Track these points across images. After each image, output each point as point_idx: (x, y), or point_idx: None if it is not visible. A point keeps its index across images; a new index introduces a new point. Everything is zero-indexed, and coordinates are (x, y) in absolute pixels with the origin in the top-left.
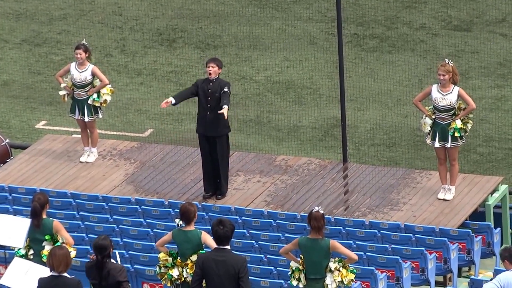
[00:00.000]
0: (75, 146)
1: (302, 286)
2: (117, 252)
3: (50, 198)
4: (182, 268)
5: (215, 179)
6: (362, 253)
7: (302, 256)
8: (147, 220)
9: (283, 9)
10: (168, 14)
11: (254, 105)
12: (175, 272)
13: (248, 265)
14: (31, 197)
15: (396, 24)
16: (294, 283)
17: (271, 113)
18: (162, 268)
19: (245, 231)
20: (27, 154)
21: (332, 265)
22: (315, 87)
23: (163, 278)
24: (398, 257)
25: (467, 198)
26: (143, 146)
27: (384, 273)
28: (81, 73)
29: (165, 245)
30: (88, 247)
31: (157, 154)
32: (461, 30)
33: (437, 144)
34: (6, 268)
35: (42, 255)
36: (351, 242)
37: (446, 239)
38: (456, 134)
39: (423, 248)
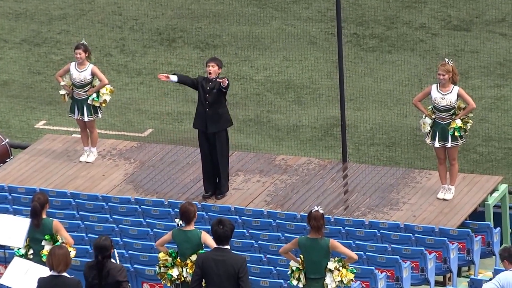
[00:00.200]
0: (74, 146)
1: (302, 286)
2: (115, 251)
3: (49, 198)
4: (182, 268)
5: (215, 179)
6: (361, 252)
7: (301, 256)
8: (147, 220)
9: (283, 8)
10: (168, 14)
11: (253, 105)
12: (174, 272)
13: (247, 264)
14: (31, 196)
15: (396, 24)
16: (294, 282)
17: (271, 113)
18: (162, 268)
19: (244, 230)
20: (27, 154)
21: (332, 264)
22: (314, 86)
23: (163, 278)
24: (397, 256)
25: (466, 198)
26: (142, 145)
27: (384, 273)
28: (81, 72)
29: (165, 245)
30: (88, 247)
31: (157, 153)
32: (460, 29)
33: (437, 144)
34: (6, 267)
35: (42, 255)
36: (351, 241)
37: (445, 238)
38: (456, 134)
39: (422, 248)
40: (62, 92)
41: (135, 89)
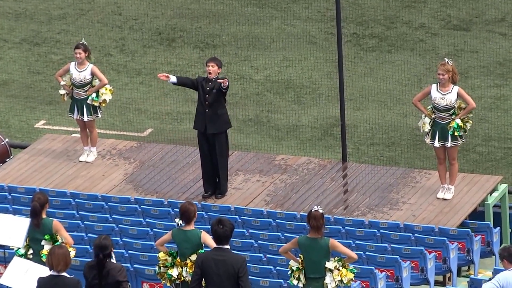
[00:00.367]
0: (74, 145)
1: (302, 286)
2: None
3: (49, 198)
4: (182, 268)
5: (215, 179)
6: (361, 252)
7: (301, 256)
8: (147, 220)
9: (283, 8)
10: (168, 13)
11: (253, 105)
12: (174, 272)
13: (247, 264)
14: (31, 196)
15: (396, 24)
16: (294, 282)
17: (271, 113)
18: (162, 267)
19: (244, 230)
20: (27, 153)
21: (332, 264)
22: (314, 86)
23: (163, 278)
24: (397, 256)
25: (466, 198)
26: (142, 145)
27: (384, 273)
28: (81, 72)
29: (165, 245)
30: (88, 246)
31: (157, 153)
32: (460, 29)
33: (436, 144)
34: (5, 267)
35: (42, 255)
36: (351, 241)
37: (445, 238)
38: (456, 134)
39: (422, 248)
40: (62, 91)
41: (134, 89)
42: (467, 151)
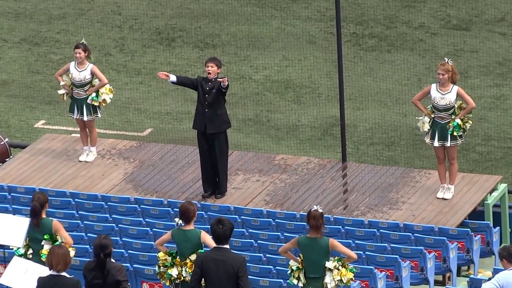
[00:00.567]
0: (74, 145)
1: (302, 285)
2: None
3: (49, 197)
4: (181, 268)
5: (214, 178)
6: (361, 252)
7: (301, 255)
8: (146, 219)
9: (282, 8)
10: (167, 13)
11: (253, 104)
12: (174, 272)
13: (247, 264)
14: (30, 196)
15: (395, 23)
16: (294, 282)
17: (270, 112)
18: (162, 267)
19: (244, 230)
20: (26, 153)
21: (331, 264)
22: (314, 86)
23: (162, 278)
24: (397, 256)
25: (466, 197)
26: (142, 145)
27: (383, 272)
28: (80, 72)
29: (165, 244)
30: (88, 246)
31: (156, 153)
32: (460, 29)
33: (436, 144)
34: (5, 267)
35: (41, 255)
36: (350, 241)
37: (445, 238)
38: (455, 133)
39: (422, 247)
40: (61, 91)
41: (134, 88)
42: (466, 150)
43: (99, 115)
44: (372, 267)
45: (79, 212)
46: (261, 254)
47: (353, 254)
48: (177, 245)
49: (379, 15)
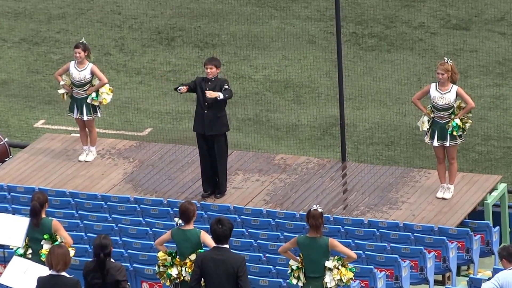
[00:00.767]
0: (74, 145)
1: (302, 285)
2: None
3: (49, 197)
4: (181, 267)
5: (214, 179)
6: (361, 252)
7: (301, 255)
8: (146, 219)
9: (282, 8)
10: (167, 13)
11: (252, 104)
12: (174, 271)
13: (247, 264)
14: (30, 196)
15: (395, 23)
16: (294, 281)
17: (270, 112)
18: (161, 267)
19: (244, 230)
20: (26, 153)
21: (331, 263)
22: (313, 86)
23: (162, 277)
24: (397, 256)
25: (466, 197)
26: (142, 145)
27: (383, 272)
28: (80, 72)
29: (164, 244)
30: (87, 246)
31: (156, 153)
32: (459, 29)
33: (435, 143)
34: (5, 267)
35: (41, 254)
36: (350, 241)
37: (445, 238)
38: (455, 133)
39: (422, 247)
40: (61, 91)
41: (134, 88)
42: (466, 150)
43: (99, 114)
44: (372, 267)
45: (79, 211)
46: (261, 254)
47: (352, 253)
48: (176, 245)
49: (379, 15)
